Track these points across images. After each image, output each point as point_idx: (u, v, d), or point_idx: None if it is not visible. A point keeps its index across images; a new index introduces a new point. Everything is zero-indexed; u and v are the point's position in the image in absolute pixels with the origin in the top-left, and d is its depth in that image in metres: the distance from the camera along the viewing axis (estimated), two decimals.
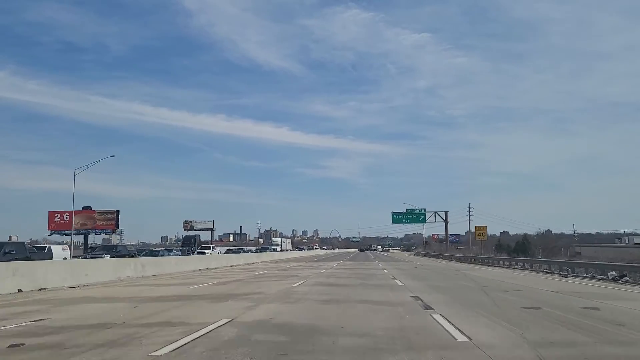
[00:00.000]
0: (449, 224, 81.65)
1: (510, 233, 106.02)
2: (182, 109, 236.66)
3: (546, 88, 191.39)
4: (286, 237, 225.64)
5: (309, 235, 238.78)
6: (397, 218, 79.09)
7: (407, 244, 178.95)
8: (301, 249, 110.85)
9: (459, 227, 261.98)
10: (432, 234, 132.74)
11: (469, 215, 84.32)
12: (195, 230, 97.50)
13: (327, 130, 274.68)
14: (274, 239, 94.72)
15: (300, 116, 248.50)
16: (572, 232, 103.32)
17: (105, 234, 75.55)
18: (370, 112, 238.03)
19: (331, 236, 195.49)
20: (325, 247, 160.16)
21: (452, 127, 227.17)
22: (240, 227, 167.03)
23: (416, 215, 78.51)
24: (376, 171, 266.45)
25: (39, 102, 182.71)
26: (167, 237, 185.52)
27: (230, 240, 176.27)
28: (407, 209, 79.36)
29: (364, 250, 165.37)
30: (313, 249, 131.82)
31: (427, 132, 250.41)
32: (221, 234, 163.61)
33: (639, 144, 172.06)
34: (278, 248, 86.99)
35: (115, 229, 69.36)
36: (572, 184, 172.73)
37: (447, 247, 79.10)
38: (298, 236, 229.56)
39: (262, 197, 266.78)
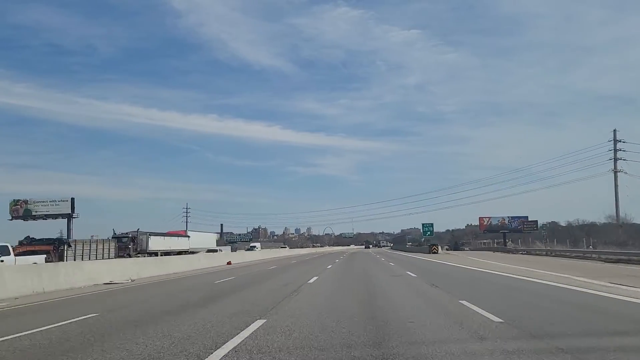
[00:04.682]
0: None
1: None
2: (173, 110, 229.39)
3: (535, 82, 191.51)
4: (277, 235, 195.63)
5: (301, 232, 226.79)
6: None
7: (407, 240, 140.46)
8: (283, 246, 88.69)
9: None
10: (480, 217, 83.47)
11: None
12: (33, 216, 65.42)
13: (318, 129, 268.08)
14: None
15: (292, 115, 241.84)
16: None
17: None
18: (361, 110, 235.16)
19: (324, 233, 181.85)
20: (285, 245, 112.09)
21: (442, 123, 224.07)
22: (221, 224, 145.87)
23: None
24: (368, 168, 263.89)
25: (28, 105, 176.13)
26: None
27: (218, 238, 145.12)
28: None
29: (369, 247, 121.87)
30: (216, 252, 54.28)
31: (418, 128, 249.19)
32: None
33: (626, 136, 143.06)
34: None
35: None
36: (562, 176, 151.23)
37: None
38: (290, 234, 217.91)
39: (254, 196, 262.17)
